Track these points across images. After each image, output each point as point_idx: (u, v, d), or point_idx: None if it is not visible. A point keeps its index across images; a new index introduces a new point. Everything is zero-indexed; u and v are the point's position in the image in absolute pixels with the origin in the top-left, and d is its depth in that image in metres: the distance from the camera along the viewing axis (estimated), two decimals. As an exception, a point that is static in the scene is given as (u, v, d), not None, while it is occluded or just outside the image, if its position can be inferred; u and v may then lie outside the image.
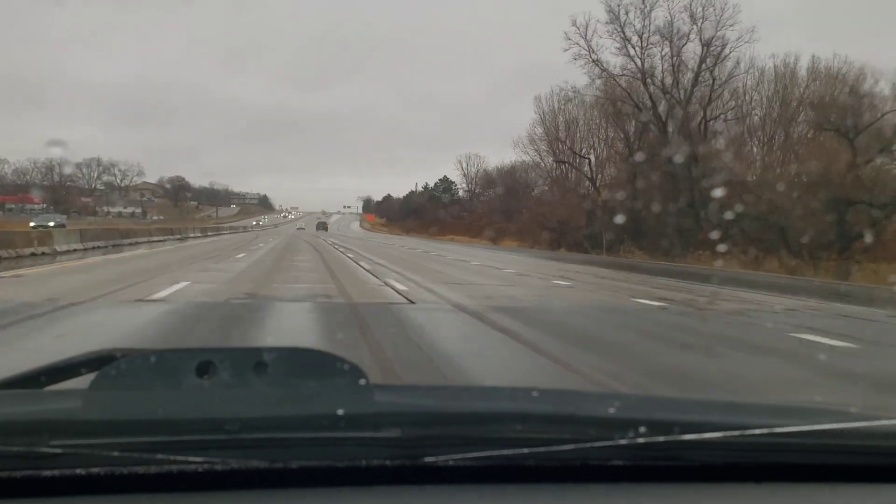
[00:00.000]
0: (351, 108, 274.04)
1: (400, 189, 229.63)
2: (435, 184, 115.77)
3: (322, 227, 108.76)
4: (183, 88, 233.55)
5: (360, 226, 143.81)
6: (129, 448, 1.01)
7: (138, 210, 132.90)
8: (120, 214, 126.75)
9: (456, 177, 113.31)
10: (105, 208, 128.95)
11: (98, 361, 1.22)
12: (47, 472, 1.00)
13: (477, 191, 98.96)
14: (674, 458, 1.13)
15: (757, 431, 1.12)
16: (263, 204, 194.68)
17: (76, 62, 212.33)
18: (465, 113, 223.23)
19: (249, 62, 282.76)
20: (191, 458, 1.01)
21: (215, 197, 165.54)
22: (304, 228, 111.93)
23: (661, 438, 1.08)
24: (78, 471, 1.01)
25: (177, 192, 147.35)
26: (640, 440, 1.07)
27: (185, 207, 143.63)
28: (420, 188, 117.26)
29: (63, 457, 1.00)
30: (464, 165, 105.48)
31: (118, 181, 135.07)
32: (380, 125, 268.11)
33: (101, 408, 1.10)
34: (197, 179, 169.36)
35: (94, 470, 1.01)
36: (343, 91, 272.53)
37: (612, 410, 1.21)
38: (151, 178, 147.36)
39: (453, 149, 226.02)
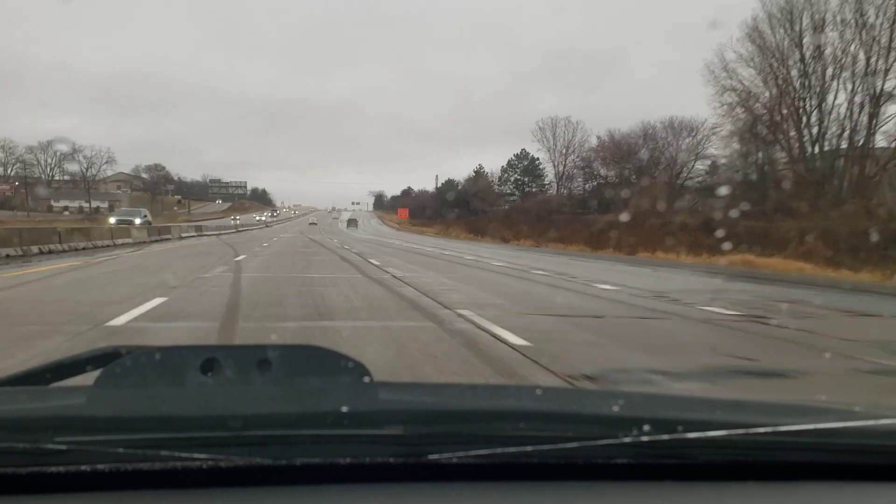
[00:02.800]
0: (354, 98, 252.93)
1: (405, 184, 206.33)
2: (509, 162, 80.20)
3: (353, 223, 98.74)
4: (178, 77, 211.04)
5: (381, 224, 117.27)
6: (134, 445, 1.00)
7: (104, 205, 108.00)
8: (81, 210, 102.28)
9: (535, 152, 76.45)
10: (61, 202, 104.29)
11: (103, 358, 1.22)
12: (52, 469, 1.01)
13: (572, 170, 67.90)
14: (678, 456, 1.13)
15: (761, 430, 1.11)
16: (261, 199, 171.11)
17: (58, 47, 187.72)
18: (481, 101, 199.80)
19: (247, 46, 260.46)
20: (195, 455, 1.00)
21: (205, 191, 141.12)
22: (316, 224, 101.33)
23: (665, 437, 1.08)
24: (83, 467, 1.01)
25: (155, 185, 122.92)
26: (644, 438, 1.07)
27: (164, 202, 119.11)
28: (471, 172, 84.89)
29: (68, 453, 1.00)
30: (549, 138, 69.43)
31: (84, 169, 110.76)
32: (384, 116, 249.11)
33: (105, 405, 1.09)
34: (189, 173, 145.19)
35: (99, 466, 1.01)
36: (347, 79, 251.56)
37: (615, 409, 1.20)
38: (131, 170, 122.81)
39: (466, 142, 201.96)
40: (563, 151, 69.76)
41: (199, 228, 49.75)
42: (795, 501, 1.11)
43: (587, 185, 65.98)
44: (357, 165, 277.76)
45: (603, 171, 62.91)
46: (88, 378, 1.17)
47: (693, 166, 43.68)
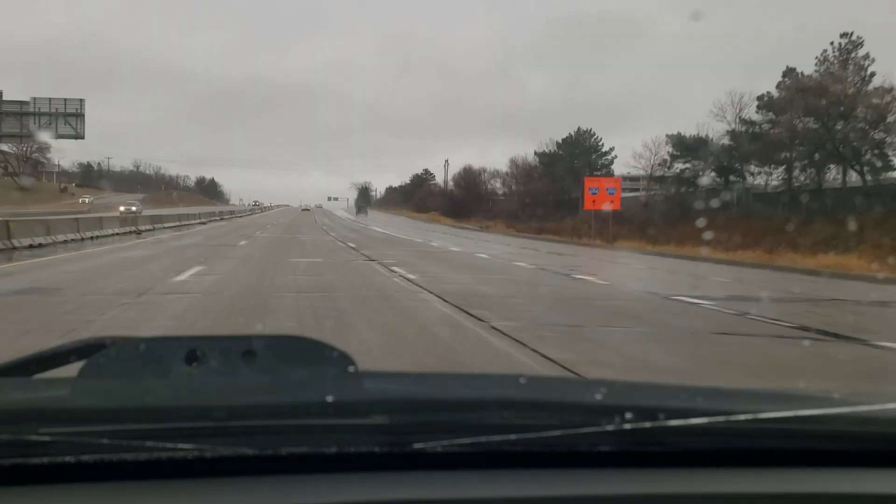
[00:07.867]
0: (316, 78, 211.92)
1: (384, 179, 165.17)
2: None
3: (363, 210, 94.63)
4: (118, 49, 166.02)
5: (434, 224, 66.44)
6: (119, 435, 1.00)
7: None
8: None
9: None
10: None
11: (87, 349, 1.21)
12: (36, 460, 1.00)
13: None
14: (660, 443, 1.14)
15: (741, 417, 1.13)
16: (210, 193, 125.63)
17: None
18: (471, 86, 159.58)
19: (203, 17, 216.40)
20: (180, 446, 1.01)
21: (136, 181, 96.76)
22: (309, 210, 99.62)
23: (647, 424, 1.09)
24: (67, 458, 1.01)
25: (35, 165, 77.29)
26: (627, 426, 1.08)
27: (45, 189, 73.78)
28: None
29: (52, 444, 1.00)
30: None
31: None
32: (363, 106, 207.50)
33: (89, 395, 1.09)
34: (123, 163, 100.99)
35: (84, 457, 1.01)
36: (318, 58, 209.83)
37: (598, 397, 1.21)
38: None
39: (458, 135, 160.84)
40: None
41: None
42: (775, 487, 1.12)
43: None
44: (330, 160, 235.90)
45: None
46: (72, 369, 1.17)
47: None
